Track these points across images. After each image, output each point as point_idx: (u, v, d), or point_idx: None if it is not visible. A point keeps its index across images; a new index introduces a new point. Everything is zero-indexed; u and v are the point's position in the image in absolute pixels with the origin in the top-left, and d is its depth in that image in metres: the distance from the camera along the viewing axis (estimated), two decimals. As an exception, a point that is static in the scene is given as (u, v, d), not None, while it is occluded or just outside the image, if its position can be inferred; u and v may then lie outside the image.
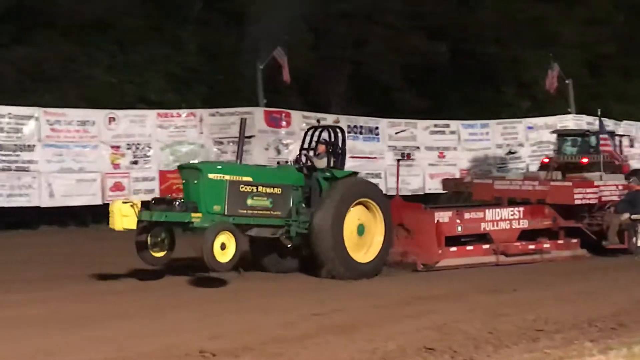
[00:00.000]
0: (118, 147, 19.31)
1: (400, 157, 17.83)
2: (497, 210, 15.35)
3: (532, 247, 15.37)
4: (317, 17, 25.68)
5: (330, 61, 26.49)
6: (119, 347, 8.37)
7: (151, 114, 20.20)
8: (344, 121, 21.94)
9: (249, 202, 12.73)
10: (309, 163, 13.56)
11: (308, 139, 14.12)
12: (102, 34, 23.01)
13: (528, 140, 25.22)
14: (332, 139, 13.93)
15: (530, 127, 25.35)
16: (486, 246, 14.94)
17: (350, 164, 21.24)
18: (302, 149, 14.06)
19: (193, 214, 12.25)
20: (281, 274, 13.40)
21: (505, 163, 24.52)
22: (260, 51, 22.71)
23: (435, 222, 14.37)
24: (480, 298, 11.62)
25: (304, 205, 13.12)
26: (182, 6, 24.47)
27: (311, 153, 13.84)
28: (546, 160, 20.52)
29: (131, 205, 11.89)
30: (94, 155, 19.21)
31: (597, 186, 16.08)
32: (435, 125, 23.75)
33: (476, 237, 15.26)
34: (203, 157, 19.96)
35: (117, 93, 21.85)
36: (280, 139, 21.14)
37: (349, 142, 21.87)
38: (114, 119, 19.66)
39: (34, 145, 18.80)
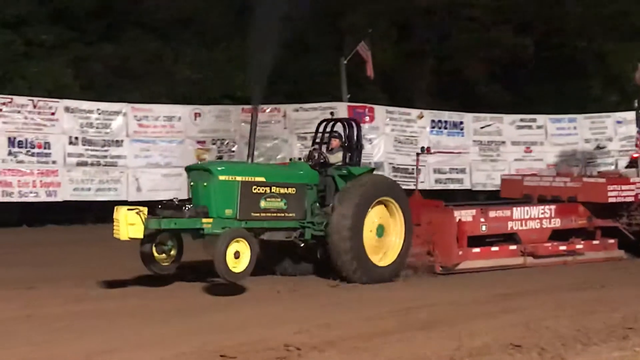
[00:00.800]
0: (203, 142, 19.63)
1: (420, 152, 16.70)
2: (526, 208, 14.53)
3: (563, 248, 14.45)
4: (401, 12, 25.64)
5: (414, 56, 26.41)
6: (204, 340, 8.44)
7: (235, 110, 20.43)
8: (428, 116, 21.99)
9: (263, 204, 11.91)
10: (322, 159, 12.78)
11: (320, 133, 13.24)
12: (187, 31, 23.45)
13: (617, 135, 24.48)
14: (347, 133, 13.07)
15: (619, 122, 24.59)
16: (513, 247, 14.12)
17: (434, 160, 21.41)
18: (314, 143, 13.23)
19: (204, 220, 11.45)
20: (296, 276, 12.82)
21: (593, 158, 23.98)
22: (344, 46, 22.86)
23: (457, 221, 13.54)
24: (566, 295, 11.34)
25: (318, 205, 12.39)
26: (265, 2, 24.70)
27: (324, 148, 13.12)
28: (635, 155, 18.93)
29: (137, 213, 11.11)
30: (179, 150, 19.56)
31: (634, 183, 15.08)
32: (522, 120, 23.23)
33: (503, 238, 14.46)
34: (286, 152, 20.20)
35: (202, 89, 22.21)
36: (364, 134, 21.00)
37: (433, 137, 22.26)
38: (199, 114, 19.98)
39: (121, 141, 19.23)
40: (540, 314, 9.89)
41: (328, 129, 13.31)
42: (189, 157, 19.13)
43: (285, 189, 12.07)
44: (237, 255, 11.05)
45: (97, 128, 19.16)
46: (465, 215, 13.62)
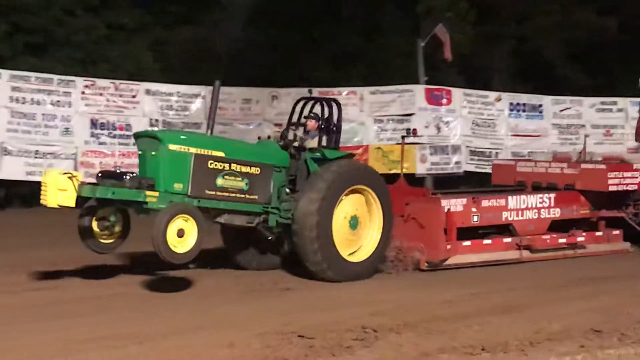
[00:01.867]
0: (280, 124, 19.81)
1: (405, 134, 15.43)
2: (523, 197, 13.34)
3: (563, 240, 13.30)
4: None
5: (493, 37, 26.17)
6: (282, 321, 8.60)
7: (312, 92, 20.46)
8: (506, 98, 21.71)
9: (220, 182, 10.69)
10: (296, 141, 11.65)
11: (297, 113, 12.18)
12: (264, 15, 23.63)
13: (700, 118, 23.87)
14: (327, 114, 11.90)
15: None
16: (508, 239, 13.00)
17: (512, 143, 21.23)
18: (289, 124, 12.19)
19: (148, 193, 10.13)
20: (260, 271, 11.75)
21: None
22: (421, 29, 22.77)
23: (446, 211, 12.34)
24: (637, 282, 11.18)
25: (288, 190, 11.26)
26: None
27: (301, 130, 12.05)
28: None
29: (70, 177, 9.91)
30: (257, 133, 19.21)
31: (637, 170, 13.82)
32: (602, 103, 22.74)
33: (497, 229, 13.39)
34: (363, 134, 20.24)
35: (279, 72, 22.39)
36: (441, 117, 21.02)
37: (511, 120, 21.96)
38: (276, 97, 20.13)
39: (200, 123, 19.33)
40: (618, 299, 9.82)
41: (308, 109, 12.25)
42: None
43: (248, 167, 10.92)
44: (180, 233, 9.83)
45: (176, 110, 19.47)
46: (454, 204, 12.48)
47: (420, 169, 20.17)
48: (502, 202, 13.03)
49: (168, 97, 19.53)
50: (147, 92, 19.42)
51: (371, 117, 20.53)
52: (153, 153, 10.42)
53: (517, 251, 12.91)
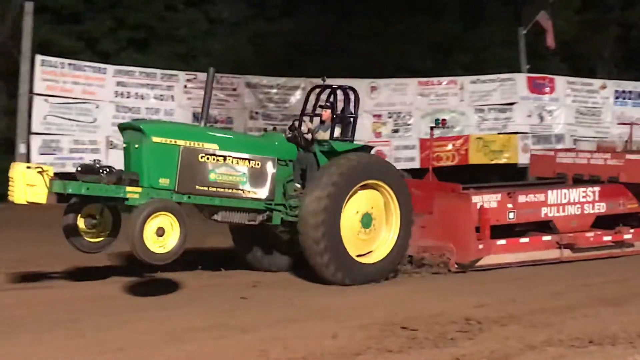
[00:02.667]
0: (379, 115, 19.82)
1: (433, 125, 14.78)
2: (564, 191, 12.34)
3: (608, 238, 12.27)
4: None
5: (597, 24, 25.62)
6: (385, 313, 8.63)
7: (412, 83, 20.47)
8: (611, 86, 21.33)
9: (212, 176, 10.02)
10: (306, 133, 10.94)
11: (312, 102, 11.38)
12: (363, 6, 23.73)
13: None
14: (342, 103, 11.15)
15: None
16: (547, 237, 12.00)
17: (618, 131, 20.64)
18: (302, 114, 11.30)
19: (128, 188, 9.50)
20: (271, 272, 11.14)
21: None
22: (522, 16, 22.48)
23: (478, 208, 11.47)
24: None
25: (298, 185, 10.54)
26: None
27: (317, 121, 11.27)
28: None
29: (39, 172, 9.27)
30: (357, 124, 19.75)
31: None
32: None
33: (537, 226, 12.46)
34: (464, 124, 20.10)
35: (378, 62, 22.44)
36: (544, 106, 20.80)
37: (617, 108, 21.45)
38: (375, 88, 20.15)
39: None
40: None
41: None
42: (365, 131, 19.37)
43: (246, 161, 10.23)
44: (160, 232, 9.24)
45: (276, 103, 19.79)
46: (488, 200, 11.59)
47: (523, 159, 19.83)
48: (541, 197, 12.11)
49: (268, 89, 19.85)
50: (248, 84, 19.78)
51: (472, 106, 20.44)
52: (136, 146, 9.78)
53: (557, 250, 12.00)
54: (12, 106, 18.58)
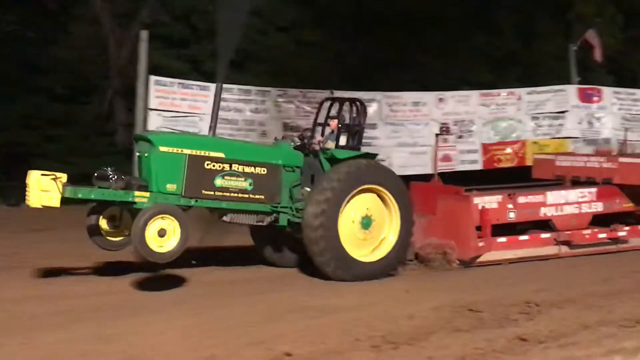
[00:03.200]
0: (446, 123, 19.83)
1: (438, 132, 14.18)
2: (562, 192, 12.02)
3: (603, 235, 11.89)
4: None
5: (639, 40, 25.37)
6: (452, 297, 8.74)
7: (474, 94, 20.39)
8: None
9: (219, 182, 9.83)
10: (311, 141, 10.71)
11: (323, 113, 11.24)
12: (432, 26, 23.78)
13: None
14: (349, 114, 10.97)
15: None
16: (546, 235, 11.71)
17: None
18: (314, 125, 11.18)
19: (137, 193, 9.40)
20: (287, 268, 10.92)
21: None
22: (572, 34, 22.29)
23: (480, 208, 11.17)
24: None
25: (308, 189, 10.28)
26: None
27: (328, 130, 11.04)
28: None
29: (53, 179, 9.23)
30: (425, 132, 19.61)
31: None
32: None
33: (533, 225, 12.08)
34: (521, 130, 20.04)
35: (445, 77, 22.47)
36: (593, 113, 20.61)
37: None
38: (442, 99, 20.04)
39: (375, 124, 19.58)
40: None
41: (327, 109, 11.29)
42: (433, 138, 19.28)
43: (252, 168, 10.01)
44: (162, 233, 9.05)
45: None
46: (489, 202, 11.29)
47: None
48: (540, 197, 11.76)
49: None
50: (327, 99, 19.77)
51: (528, 114, 20.28)
52: (146, 155, 9.75)
53: (555, 247, 11.71)
54: (130, 120, 18.90)
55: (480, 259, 11.07)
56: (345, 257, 9.98)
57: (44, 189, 9.08)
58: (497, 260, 11.13)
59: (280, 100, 19.23)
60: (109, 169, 9.50)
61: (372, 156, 10.84)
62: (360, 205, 10.22)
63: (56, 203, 9.14)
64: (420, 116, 19.98)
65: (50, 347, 7.04)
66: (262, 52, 22.39)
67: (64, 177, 9.28)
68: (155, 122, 18.10)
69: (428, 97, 20.17)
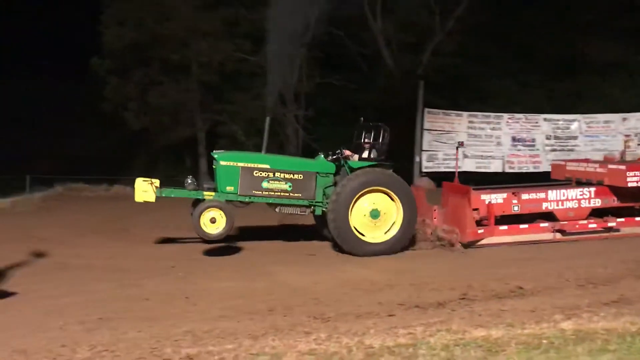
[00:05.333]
0: (628, 135, 19.82)
1: (457, 145, 13.49)
2: (562, 190, 11.34)
3: (593, 225, 11.18)
4: None
5: None
6: (502, 273, 8.12)
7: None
8: None
9: (265, 185, 10.21)
10: (344, 156, 10.68)
11: (356, 134, 11.16)
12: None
13: None
14: (373, 134, 10.79)
15: None
16: (544, 224, 11.05)
17: None
18: (356, 143, 11.09)
19: (206, 193, 10.02)
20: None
21: None
22: None
23: (487, 203, 10.79)
24: None
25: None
26: None
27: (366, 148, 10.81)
28: None
29: (150, 183, 9.90)
30: (614, 141, 20.30)
31: None
32: None
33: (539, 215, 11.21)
34: None
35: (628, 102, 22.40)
36: None
37: None
38: (626, 119, 20.92)
39: (576, 137, 21.04)
40: None
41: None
42: (618, 145, 18.75)
43: (291, 174, 10.32)
44: (213, 220, 9.61)
45: (562, 130, 21.07)
46: (495, 198, 10.92)
47: None
48: (542, 195, 11.21)
49: (556, 122, 21.16)
50: (544, 119, 21.03)
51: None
52: (214, 167, 10.33)
53: (551, 234, 11.11)
54: (412, 136, 21.01)
55: (481, 242, 10.64)
56: (354, 239, 10.03)
57: (144, 189, 9.81)
58: (497, 244, 10.68)
59: (509, 121, 20.99)
60: (189, 177, 10.27)
61: (387, 166, 10.57)
62: (369, 201, 10.24)
63: (152, 198, 9.84)
64: (610, 130, 20.92)
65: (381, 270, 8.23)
66: (492, 88, 23.98)
67: (157, 181, 9.93)
68: (427, 138, 20.73)
69: (614, 117, 21.10)
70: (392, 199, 10.22)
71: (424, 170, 20.75)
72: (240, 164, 10.08)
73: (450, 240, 10.35)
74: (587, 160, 12.92)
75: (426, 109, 20.54)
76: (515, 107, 22.12)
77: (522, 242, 10.65)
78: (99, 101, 25.26)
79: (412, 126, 21.23)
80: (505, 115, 21.02)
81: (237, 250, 10.53)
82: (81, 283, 8.42)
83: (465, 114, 21.06)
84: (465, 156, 20.67)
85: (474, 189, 10.86)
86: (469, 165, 20.78)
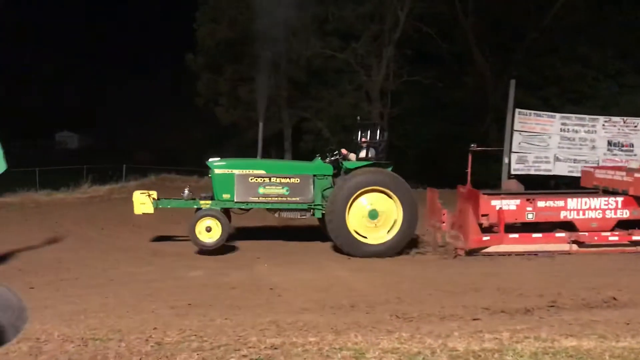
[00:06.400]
0: None
1: (470, 149, 11.38)
2: (585, 199, 10.26)
3: (614, 238, 10.11)
4: None
5: None
6: (591, 282, 7.87)
7: None
8: None
9: (261, 190, 10.03)
10: (342, 157, 10.49)
11: (357, 134, 10.79)
12: None
13: None
14: (370, 134, 10.54)
15: None
16: (561, 234, 10.16)
17: None
18: (359, 142, 10.71)
19: (202, 202, 10.03)
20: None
21: None
22: None
23: (498, 209, 10.03)
24: None
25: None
26: None
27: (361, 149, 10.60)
28: None
29: (148, 195, 10.03)
30: None
31: None
32: None
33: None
34: None
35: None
36: None
37: None
38: None
39: None
40: None
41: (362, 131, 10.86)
42: None
43: (288, 179, 10.12)
44: (208, 229, 9.61)
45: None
46: (507, 204, 10.15)
47: None
48: (561, 203, 10.29)
49: None
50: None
51: None
52: (210, 175, 10.35)
53: (567, 245, 10.24)
54: (501, 137, 20.78)
55: (487, 250, 9.99)
56: (352, 239, 9.81)
57: (142, 202, 9.98)
58: (506, 252, 10.03)
59: (606, 124, 20.07)
60: (187, 188, 10.46)
61: (385, 165, 10.30)
62: (367, 202, 10.00)
63: (151, 210, 9.99)
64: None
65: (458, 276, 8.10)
66: (590, 93, 23.49)
67: (154, 193, 10.14)
68: (517, 139, 20.02)
69: None
70: (392, 199, 9.95)
71: (513, 172, 20.14)
72: (235, 171, 10.01)
73: (454, 246, 9.86)
74: (616, 168, 12.04)
75: (517, 110, 19.94)
76: (612, 109, 21.58)
77: (533, 252, 10.01)
78: (193, 96, 26.12)
79: (501, 126, 20.96)
80: (602, 118, 20.23)
81: (317, 244, 10.68)
82: (173, 269, 8.80)
83: (558, 115, 20.41)
84: (557, 159, 20.11)
85: (484, 194, 10.26)
86: (560, 169, 20.15)
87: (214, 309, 6.54)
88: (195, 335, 5.34)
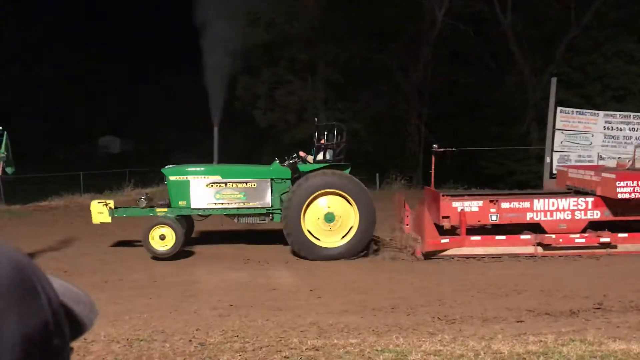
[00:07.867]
0: None
1: (432, 150, 11.61)
2: (552, 200, 9.85)
3: (581, 241, 9.66)
4: None
5: None
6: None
7: None
8: None
9: (218, 196, 9.92)
10: (299, 159, 10.32)
11: (316, 136, 10.62)
12: None
13: None
14: (329, 137, 10.40)
15: None
16: (526, 237, 9.77)
17: None
18: (317, 145, 10.56)
19: (158, 209, 9.93)
20: None
21: None
22: None
23: (459, 211, 9.72)
24: None
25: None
26: None
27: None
28: None
29: (104, 205, 9.95)
30: None
31: None
32: None
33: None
34: None
35: None
36: None
37: None
38: None
39: None
40: None
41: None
42: None
43: (244, 183, 10.01)
44: (162, 237, 9.48)
45: None
46: (469, 205, 9.85)
47: None
48: (527, 204, 9.97)
49: None
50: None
51: None
52: (165, 182, 10.40)
53: (532, 247, 9.89)
54: (542, 136, 20.60)
55: (447, 252, 9.74)
56: (307, 242, 9.72)
57: (99, 211, 9.98)
58: (467, 255, 9.76)
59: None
60: (143, 196, 10.31)
61: (342, 167, 10.15)
62: (323, 205, 9.92)
63: (108, 219, 9.97)
64: None
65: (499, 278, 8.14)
66: (636, 89, 23.22)
67: (111, 202, 10.16)
68: (559, 138, 19.32)
69: None
70: (349, 203, 9.83)
71: (555, 172, 20.02)
72: (191, 177, 9.94)
73: (413, 249, 9.73)
74: (587, 167, 11.67)
75: (559, 108, 19.46)
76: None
77: (497, 255, 9.71)
78: (231, 99, 26.41)
79: (542, 126, 20.79)
80: (645, 116, 19.84)
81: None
82: (213, 271, 9.07)
83: (601, 113, 19.94)
84: (601, 158, 19.35)
85: (444, 195, 10.05)
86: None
87: (254, 310, 6.60)
88: (237, 336, 5.41)
